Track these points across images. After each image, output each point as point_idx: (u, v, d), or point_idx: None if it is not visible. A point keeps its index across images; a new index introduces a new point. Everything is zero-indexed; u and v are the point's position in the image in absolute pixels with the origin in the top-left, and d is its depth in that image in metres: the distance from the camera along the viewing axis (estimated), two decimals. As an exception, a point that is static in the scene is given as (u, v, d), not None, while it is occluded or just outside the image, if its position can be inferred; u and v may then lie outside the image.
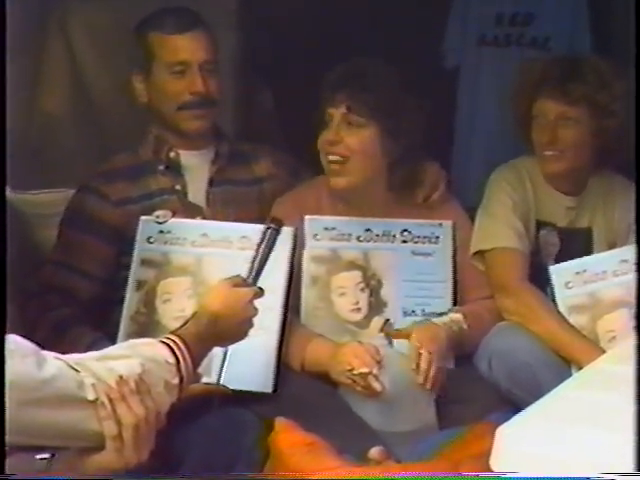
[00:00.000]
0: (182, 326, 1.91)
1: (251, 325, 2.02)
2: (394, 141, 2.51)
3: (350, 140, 2.48)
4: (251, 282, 2.06)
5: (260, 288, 2.05)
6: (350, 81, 2.50)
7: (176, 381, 1.78)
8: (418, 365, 2.31)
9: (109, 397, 1.64)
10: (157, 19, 2.56)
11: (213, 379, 2.12)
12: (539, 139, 2.61)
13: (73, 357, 1.68)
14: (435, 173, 2.64)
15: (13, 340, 1.61)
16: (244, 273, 2.06)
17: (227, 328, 1.96)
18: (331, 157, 2.49)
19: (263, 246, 2.11)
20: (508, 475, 1.55)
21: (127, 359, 1.72)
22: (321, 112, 2.52)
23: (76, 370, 1.64)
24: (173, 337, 1.84)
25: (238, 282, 2.03)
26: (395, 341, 2.47)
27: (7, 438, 1.58)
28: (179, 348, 1.81)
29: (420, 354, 2.32)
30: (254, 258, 2.08)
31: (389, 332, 2.46)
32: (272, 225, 2.14)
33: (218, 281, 2.04)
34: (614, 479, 1.47)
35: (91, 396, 1.63)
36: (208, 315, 1.93)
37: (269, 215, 2.46)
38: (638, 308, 1.99)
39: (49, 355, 1.64)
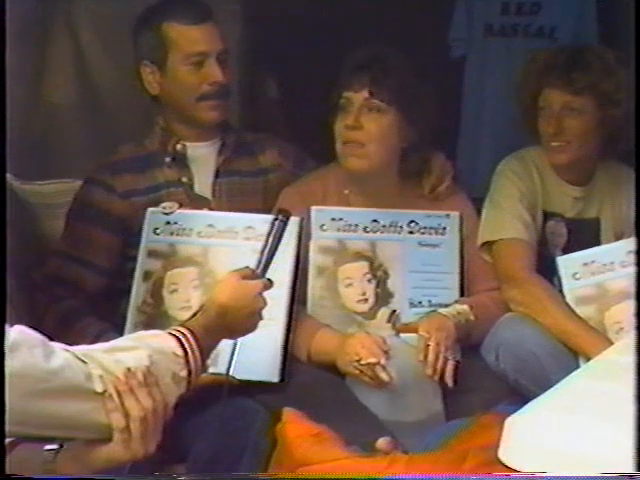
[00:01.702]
0: (190, 318, 1.90)
1: (260, 317, 2.00)
2: (410, 127, 2.51)
3: (370, 126, 2.47)
4: (260, 274, 2.04)
5: (269, 280, 2.03)
6: (371, 66, 2.49)
7: (184, 373, 1.77)
8: (426, 357, 2.31)
9: (117, 389, 1.63)
10: (169, 10, 2.54)
11: (220, 369, 2.12)
12: (545, 130, 2.61)
13: (81, 348, 1.68)
14: (442, 164, 2.64)
15: (21, 331, 1.61)
16: (252, 264, 2.05)
17: (236, 320, 1.94)
18: (349, 144, 2.48)
19: (271, 237, 2.09)
20: (504, 476, 1.56)
21: (135, 351, 1.71)
22: (335, 96, 2.51)
23: (84, 362, 1.63)
24: (182, 329, 1.82)
25: (247, 274, 2.00)
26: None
27: (14, 429, 1.58)
28: (187, 340, 1.80)
29: (428, 346, 2.32)
30: (262, 249, 2.07)
31: (397, 328, 2.45)
32: (280, 216, 2.13)
33: (227, 273, 2.02)
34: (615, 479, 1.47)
35: (99, 388, 1.62)
36: (216, 307, 1.92)
37: (275, 206, 2.46)
38: (637, 301, 1.98)
39: (57, 346, 1.64)
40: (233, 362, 2.05)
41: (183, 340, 1.80)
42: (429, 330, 2.36)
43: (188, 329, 1.83)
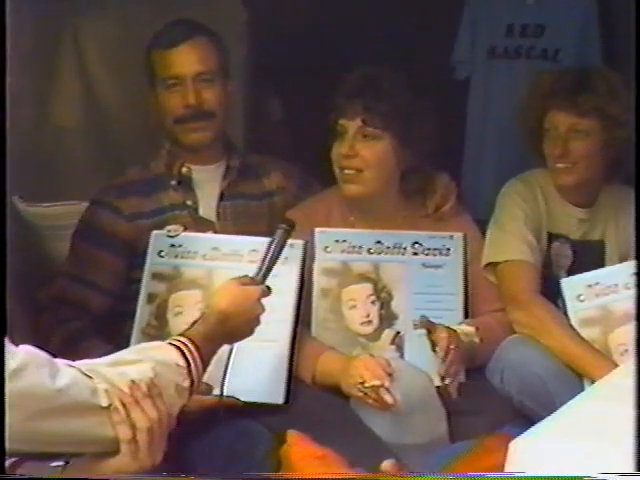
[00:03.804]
0: (191, 327, 1.93)
1: (258, 323, 2.05)
2: (407, 149, 2.51)
3: (366, 153, 2.48)
4: (259, 280, 2.08)
5: (268, 287, 2.08)
6: (363, 92, 2.48)
7: (187, 383, 1.80)
8: (444, 359, 2.30)
9: (122, 402, 1.65)
10: (157, 36, 2.56)
11: (225, 391, 2.13)
12: (550, 152, 2.61)
13: (85, 363, 1.69)
14: (446, 184, 2.64)
15: (28, 350, 1.62)
16: (253, 271, 2.10)
17: (235, 326, 1.99)
18: (346, 171, 2.49)
19: (274, 245, 2.12)
20: (514, 474, 1.56)
21: (138, 364, 1.73)
22: (332, 122, 2.51)
23: (89, 377, 1.65)
24: (183, 339, 1.85)
25: (246, 281, 2.07)
26: (406, 353, 2.47)
27: (23, 447, 1.59)
28: (189, 350, 1.83)
29: (449, 349, 2.31)
30: (264, 257, 2.10)
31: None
32: (284, 225, 2.15)
33: (226, 280, 2.08)
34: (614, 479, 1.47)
35: (104, 402, 1.64)
36: (216, 314, 1.96)
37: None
38: (638, 321, 1.98)
39: (62, 364, 1.65)
40: (226, 379, 2.07)
41: (185, 351, 1.82)
42: (449, 343, 2.34)
43: (189, 338, 1.86)
